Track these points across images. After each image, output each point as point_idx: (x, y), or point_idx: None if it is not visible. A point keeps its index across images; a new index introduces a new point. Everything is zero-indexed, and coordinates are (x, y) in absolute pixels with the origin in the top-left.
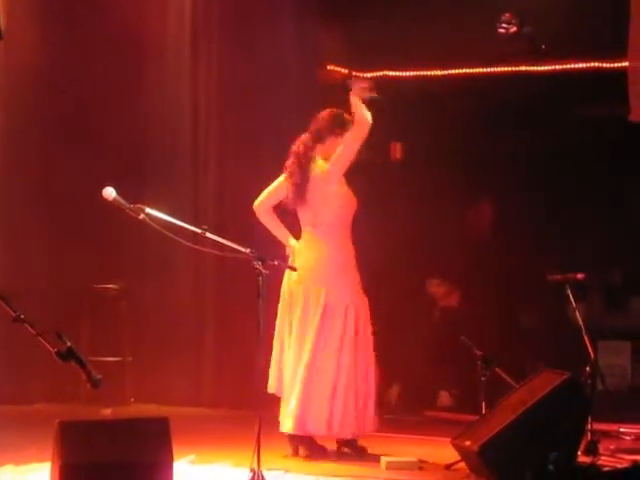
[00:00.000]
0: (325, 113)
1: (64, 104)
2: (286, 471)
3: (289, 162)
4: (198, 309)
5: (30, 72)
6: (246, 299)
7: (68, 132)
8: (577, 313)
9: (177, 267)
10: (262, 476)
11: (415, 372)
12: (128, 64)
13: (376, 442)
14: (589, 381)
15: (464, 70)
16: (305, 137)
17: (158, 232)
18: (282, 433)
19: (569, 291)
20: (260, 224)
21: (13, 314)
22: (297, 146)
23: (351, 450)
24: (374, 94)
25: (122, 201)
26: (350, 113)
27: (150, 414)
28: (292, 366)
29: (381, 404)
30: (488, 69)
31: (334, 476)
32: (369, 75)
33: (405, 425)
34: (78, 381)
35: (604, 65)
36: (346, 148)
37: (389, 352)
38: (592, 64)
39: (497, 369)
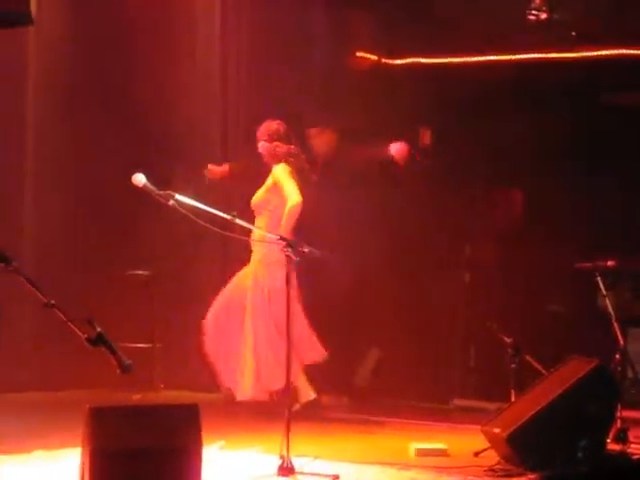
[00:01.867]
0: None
1: (94, 90)
2: (315, 457)
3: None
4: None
5: (60, 57)
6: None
7: (99, 118)
8: (607, 300)
9: (206, 253)
10: (291, 462)
11: (442, 358)
12: (158, 51)
13: (403, 429)
14: (619, 368)
15: (494, 57)
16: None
17: (187, 218)
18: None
19: (599, 279)
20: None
21: (44, 300)
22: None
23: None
24: None
25: (152, 187)
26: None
27: (180, 400)
28: None
29: None
30: (519, 56)
31: (363, 463)
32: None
33: (432, 412)
34: (108, 367)
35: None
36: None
37: (419, 334)
38: (623, 51)
39: (527, 357)
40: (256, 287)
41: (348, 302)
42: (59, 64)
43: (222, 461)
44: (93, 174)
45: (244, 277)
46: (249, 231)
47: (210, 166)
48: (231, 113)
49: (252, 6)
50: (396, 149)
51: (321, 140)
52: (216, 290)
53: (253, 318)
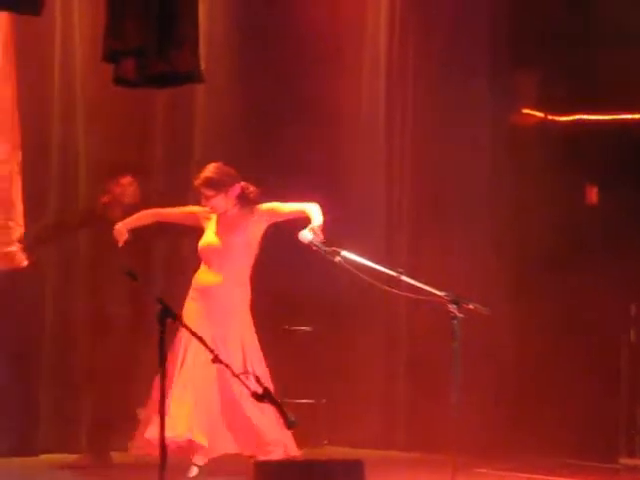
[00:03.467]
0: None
1: (258, 123)
2: None
3: None
4: (391, 351)
5: (228, 113)
6: (439, 342)
7: (259, 147)
8: None
9: (370, 309)
10: None
11: (606, 415)
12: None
13: None
14: None
15: None
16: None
17: (351, 273)
18: None
19: None
20: (455, 265)
21: (211, 355)
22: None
23: None
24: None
25: (319, 244)
26: None
27: (343, 456)
28: None
29: None
30: None
31: None
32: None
33: (598, 471)
34: None
35: None
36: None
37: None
38: None
39: None
40: None
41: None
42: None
43: None
44: None
45: None
46: (415, 288)
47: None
48: (395, 172)
49: (415, 63)
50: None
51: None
52: (378, 345)
53: None
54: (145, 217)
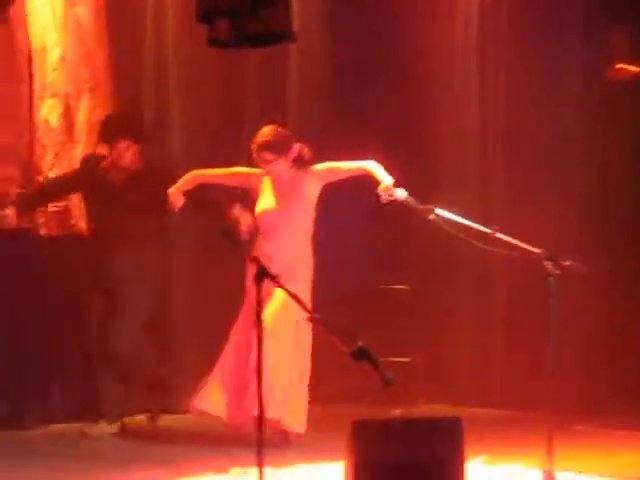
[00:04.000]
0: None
1: (350, 82)
2: (579, 472)
3: None
4: (486, 309)
5: (320, 74)
6: (535, 299)
7: (351, 105)
8: None
9: (465, 267)
10: (555, 477)
11: None
12: (414, 81)
13: None
14: None
15: None
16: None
17: (448, 232)
18: None
19: None
20: (552, 222)
21: (307, 313)
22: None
23: None
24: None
25: (413, 202)
26: None
27: (441, 414)
28: None
29: None
30: None
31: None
32: None
33: None
34: (368, 381)
35: None
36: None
37: None
38: None
39: None
40: None
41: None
42: (318, 78)
43: (485, 475)
44: (355, 187)
45: None
46: (510, 245)
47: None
48: (489, 125)
49: (509, 17)
50: None
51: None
52: (474, 303)
53: None
54: (194, 179)
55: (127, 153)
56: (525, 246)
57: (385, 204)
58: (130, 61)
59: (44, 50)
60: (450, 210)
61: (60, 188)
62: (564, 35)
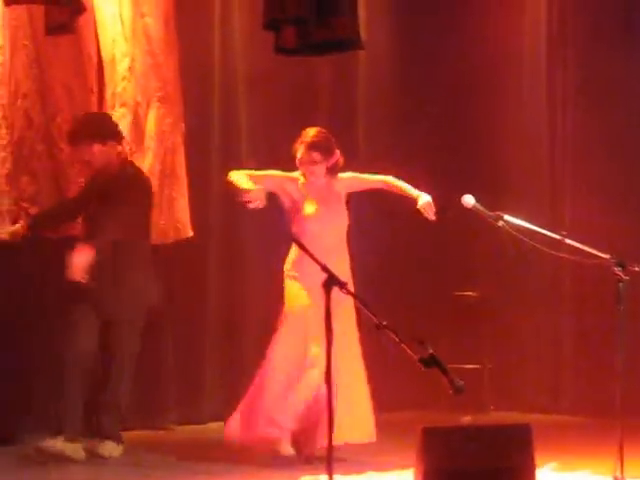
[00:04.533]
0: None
1: (422, 113)
2: None
3: None
4: (555, 315)
5: (389, 82)
6: (605, 304)
7: (427, 140)
8: None
9: (533, 273)
10: None
11: None
12: (483, 77)
13: None
14: None
15: None
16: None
17: (516, 239)
18: None
19: None
20: (618, 228)
21: (376, 321)
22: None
23: None
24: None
25: (482, 208)
26: None
27: (510, 421)
28: None
29: None
30: None
31: None
32: None
33: None
34: (437, 388)
35: None
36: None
37: None
38: None
39: None
40: None
41: None
42: (386, 86)
43: None
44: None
45: None
46: (580, 251)
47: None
48: (558, 132)
49: (577, 32)
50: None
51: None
52: (542, 309)
53: None
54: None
55: (88, 153)
56: (594, 252)
57: (433, 219)
58: (199, 70)
59: (113, 60)
60: (519, 217)
61: (75, 208)
62: (635, 38)
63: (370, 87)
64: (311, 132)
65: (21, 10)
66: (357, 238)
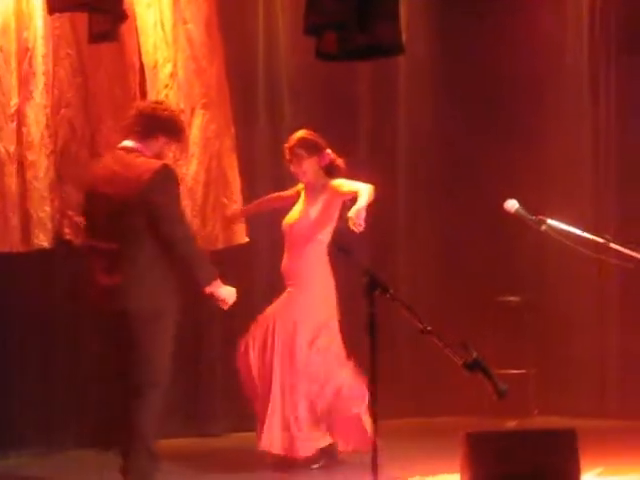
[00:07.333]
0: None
1: (461, 117)
2: None
3: None
4: (600, 319)
5: (429, 86)
6: None
7: (468, 144)
8: None
9: (577, 277)
10: None
11: None
12: (524, 79)
13: None
14: None
15: None
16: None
17: (558, 242)
18: None
19: None
20: None
21: (420, 326)
22: None
23: None
24: None
25: (525, 213)
26: None
27: (555, 426)
28: None
29: None
30: None
31: None
32: None
33: None
34: (481, 393)
35: None
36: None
37: None
38: None
39: None
40: None
41: None
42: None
43: None
44: (466, 200)
45: None
46: (624, 255)
47: None
48: (601, 139)
49: (618, 11)
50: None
51: None
52: (588, 313)
53: None
54: (266, 202)
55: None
56: (638, 256)
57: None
58: (243, 76)
59: (155, 67)
60: (563, 220)
61: None
62: None
63: (411, 91)
64: (296, 134)
65: (64, 19)
66: (409, 245)
